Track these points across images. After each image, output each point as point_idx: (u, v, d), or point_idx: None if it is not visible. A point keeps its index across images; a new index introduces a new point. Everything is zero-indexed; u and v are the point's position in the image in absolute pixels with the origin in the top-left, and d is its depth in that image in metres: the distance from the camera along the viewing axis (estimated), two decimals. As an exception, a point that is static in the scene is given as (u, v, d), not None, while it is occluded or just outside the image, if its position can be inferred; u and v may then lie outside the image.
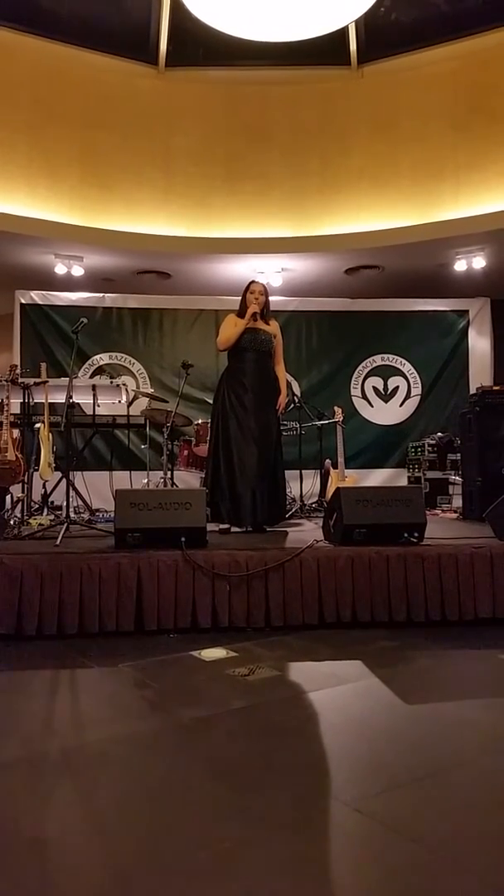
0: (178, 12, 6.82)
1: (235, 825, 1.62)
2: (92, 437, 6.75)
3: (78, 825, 1.65)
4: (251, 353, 4.84)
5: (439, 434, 7.55)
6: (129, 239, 7.36)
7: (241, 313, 4.91)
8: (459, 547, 3.73)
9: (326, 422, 6.71)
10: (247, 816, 1.65)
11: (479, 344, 8.31)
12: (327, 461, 6.65)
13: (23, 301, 7.78)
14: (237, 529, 4.66)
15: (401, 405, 8.27)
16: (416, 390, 8.27)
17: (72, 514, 4.53)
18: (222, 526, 4.63)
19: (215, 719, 2.31)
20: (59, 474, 5.56)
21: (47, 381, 5.61)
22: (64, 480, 4.81)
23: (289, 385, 7.58)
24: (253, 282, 5.10)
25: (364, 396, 8.27)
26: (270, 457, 4.76)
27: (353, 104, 7.62)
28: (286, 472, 6.63)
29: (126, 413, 6.21)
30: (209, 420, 5.58)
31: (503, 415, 5.72)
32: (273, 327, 4.98)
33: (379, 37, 7.40)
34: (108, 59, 7.43)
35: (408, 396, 8.28)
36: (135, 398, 6.47)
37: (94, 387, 6.09)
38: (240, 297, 5.04)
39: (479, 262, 7.66)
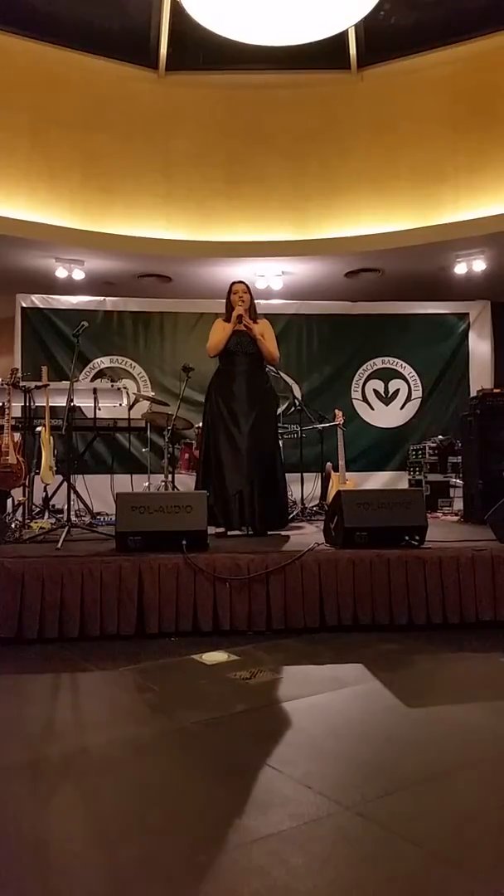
0: (178, 16, 6.84)
1: (236, 829, 1.62)
2: (93, 441, 6.77)
3: (78, 829, 1.65)
4: (240, 357, 4.77)
5: (440, 437, 7.56)
6: (130, 242, 7.38)
7: (227, 317, 4.84)
8: (460, 550, 3.73)
9: (327, 425, 6.72)
10: (248, 821, 1.65)
11: (480, 347, 8.33)
12: (328, 464, 6.66)
13: (24, 305, 7.81)
14: (236, 532, 4.63)
15: (401, 408, 8.29)
16: (417, 393, 8.28)
17: (73, 518, 4.53)
18: (217, 529, 4.60)
19: (216, 723, 2.30)
20: (60, 478, 5.57)
21: (48, 385, 5.62)
22: (65, 484, 4.82)
23: (290, 388, 7.63)
24: (235, 282, 4.97)
25: (365, 399, 8.28)
26: (264, 461, 4.66)
27: (353, 108, 7.63)
28: (287, 474, 6.67)
29: (127, 416, 6.23)
30: None
31: (504, 417, 5.72)
32: (260, 326, 4.86)
33: (378, 40, 7.42)
34: (109, 63, 7.45)
35: (408, 399, 8.29)
36: (136, 401, 6.48)
37: (95, 390, 6.11)
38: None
39: (479, 265, 7.67)
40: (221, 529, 4.60)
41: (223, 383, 4.80)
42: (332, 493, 5.96)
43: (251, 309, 4.88)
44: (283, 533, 4.80)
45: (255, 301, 4.71)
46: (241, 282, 4.99)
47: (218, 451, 4.64)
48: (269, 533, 4.68)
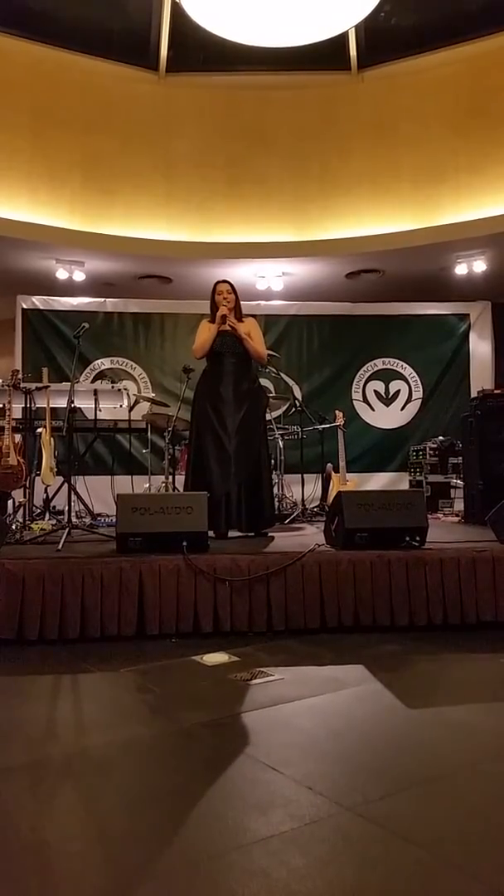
0: (179, 18, 6.85)
1: (237, 830, 1.61)
2: (93, 442, 6.77)
3: (79, 831, 1.65)
4: (227, 357, 4.73)
5: (441, 437, 7.56)
6: (131, 244, 7.38)
7: (212, 318, 4.80)
8: (461, 550, 3.73)
9: (328, 426, 6.72)
10: (248, 822, 1.65)
11: (480, 347, 8.33)
12: (329, 465, 6.66)
13: (24, 306, 7.81)
14: (236, 533, 4.62)
15: (402, 409, 8.28)
16: (418, 394, 8.28)
17: (73, 519, 4.53)
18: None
19: (217, 724, 2.30)
20: (60, 479, 5.57)
21: (49, 386, 5.63)
22: (66, 485, 4.82)
23: (290, 389, 7.64)
24: (219, 282, 4.92)
25: (365, 400, 8.28)
26: (250, 462, 4.63)
27: (354, 109, 7.64)
28: (287, 475, 6.70)
29: (127, 417, 6.23)
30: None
31: (504, 418, 5.71)
32: (247, 325, 4.82)
33: (379, 41, 7.43)
34: (109, 65, 7.46)
35: (409, 400, 8.29)
36: (136, 403, 6.48)
37: (95, 391, 6.11)
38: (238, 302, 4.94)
39: (479, 266, 7.67)
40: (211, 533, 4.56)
41: (210, 385, 4.74)
42: (332, 494, 5.96)
43: (236, 308, 4.83)
44: (283, 534, 4.79)
45: (256, 302, 4.67)
46: (225, 281, 4.93)
47: (206, 453, 4.60)
48: (261, 532, 4.67)
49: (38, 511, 5.74)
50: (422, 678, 2.91)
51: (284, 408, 7.36)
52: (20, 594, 3.30)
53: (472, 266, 7.68)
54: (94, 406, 6.03)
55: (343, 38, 7.03)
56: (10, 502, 5.57)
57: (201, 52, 7.40)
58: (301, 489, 6.54)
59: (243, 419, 4.65)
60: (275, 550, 3.82)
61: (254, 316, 5.19)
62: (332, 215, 7.59)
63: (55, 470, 5.55)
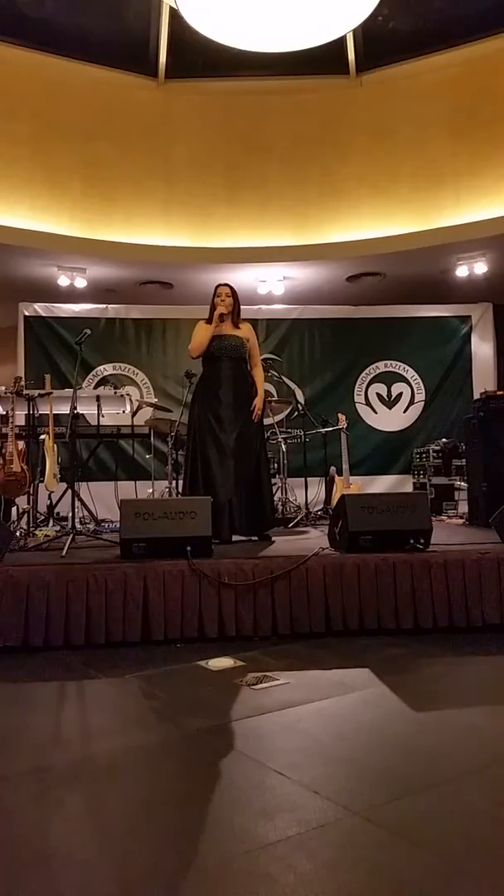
0: (177, 25, 6.87)
1: (244, 836, 1.61)
2: (96, 448, 6.78)
3: (86, 837, 1.64)
4: (224, 362, 4.72)
5: (444, 439, 7.54)
6: (132, 250, 7.40)
7: (209, 319, 4.81)
8: (466, 552, 3.72)
9: (330, 429, 6.71)
10: (255, 827, 1.64)
11: (482, 349, 8.32)
12: (332, 468, 6.65)
13: (26, 313, 7.83)
14: (240, 538, 4.61)
15: (405, 411, 8.28)
16: (420, 396, 8.27)
17: (77, 525, 4.53)
18: None
19: (223, 729, 2.30)
20: (64, 485, 5.58)
21: (52, 393, 5.64)
22: (69, 491, 4.82)
23: (292, 393, 7.63)
24: (220, 285, 4.96)
25: (368, 403, 8.27)
26: (251, 467, 4.65)
27: (353, 113, 7.65)
28: (291, 479, 6.69)
29: (130, 423, 6.23)
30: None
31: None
32: (244, 330, 4.84)
33: (377, 45, 7.44)
34: (109, 72, 7.48)
35: (411, 402, 8.28)
36: (139, 408, 6.49)
37: (98, 397, 6.12)
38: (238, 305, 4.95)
39: (480, 268, 7.67)
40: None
41: (208, 390, 4.74)
42: (336, 498, 5.94)
43: (234, 313, 4.84)
44: (287, 537, 4.79)
45: (258, 307, 4.66)
46: (226, 284, 4.96)
47: (207, 458, 4.59)
48: (263, 535, 4.67)
49: (42, 517, 5.75)
50: (428, 681, 2.90)
51: (287, 411, 7.35)
52: (25, 601, 3.30)
53: (472, 268, 7.68)
54: (96, 412, 6.04)
55: (341, 42, 7.04)
56: (13, 509, 5.59)
57: (200, 58, 7.41)
58: (304, 493, 6.53)
59: (245, 425, 4.67)
60: (279, 554, 3.82)
61: (254, 321, 5.18)
62: (332, 219, 7.60)
63: (58, 476, 5.56)
